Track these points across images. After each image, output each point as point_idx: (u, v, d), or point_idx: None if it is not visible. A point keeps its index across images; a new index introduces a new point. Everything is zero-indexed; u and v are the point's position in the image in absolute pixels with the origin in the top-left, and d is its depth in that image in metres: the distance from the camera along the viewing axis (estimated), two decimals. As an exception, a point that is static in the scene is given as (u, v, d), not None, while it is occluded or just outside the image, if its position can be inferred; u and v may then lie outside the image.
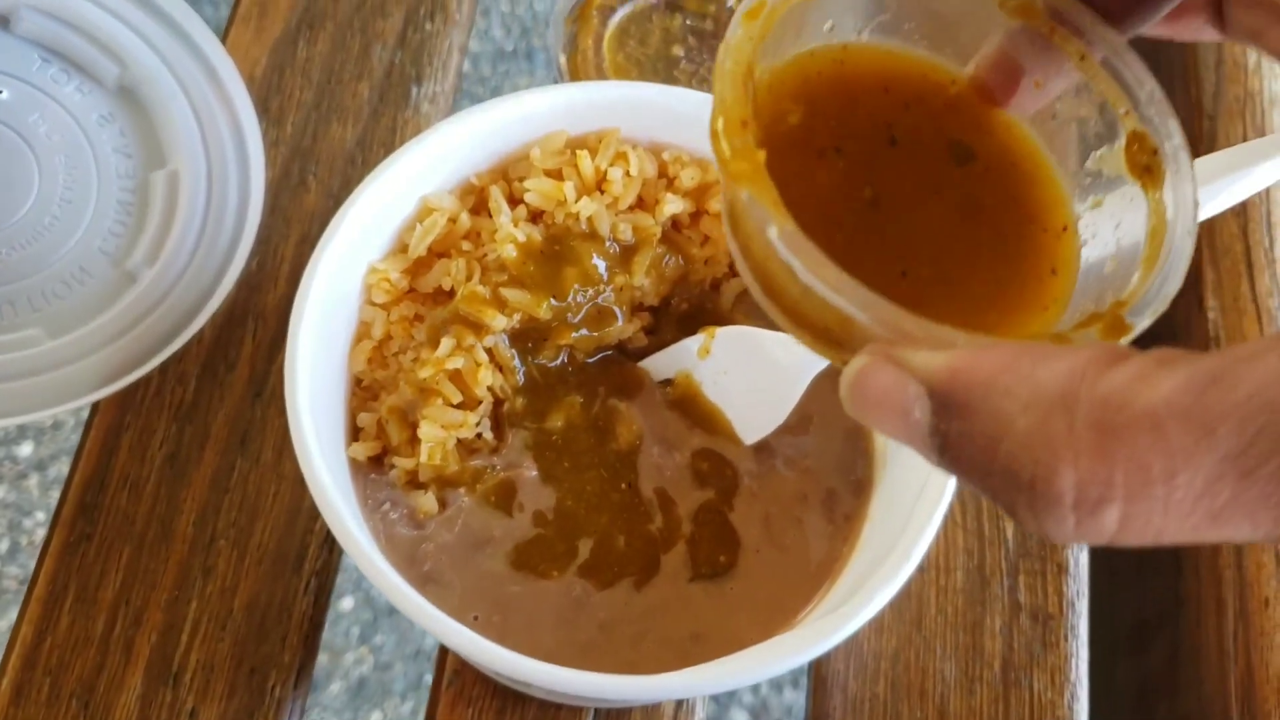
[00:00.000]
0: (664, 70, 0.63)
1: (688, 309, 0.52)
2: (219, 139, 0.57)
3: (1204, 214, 0.37)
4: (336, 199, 0.58)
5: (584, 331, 0.50)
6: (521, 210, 0.50)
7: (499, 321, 0.48)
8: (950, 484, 0.43)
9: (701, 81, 0.63)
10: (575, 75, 0.62)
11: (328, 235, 0.46)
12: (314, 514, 0.53)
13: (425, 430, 0.47)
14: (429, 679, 0.59)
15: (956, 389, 0.25)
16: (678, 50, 0.64)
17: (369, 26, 0.61)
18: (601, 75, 0.62)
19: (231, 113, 0.57)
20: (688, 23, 0.64)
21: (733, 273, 0.53)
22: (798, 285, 0.28)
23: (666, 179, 0.51)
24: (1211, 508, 0.22)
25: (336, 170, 0.59)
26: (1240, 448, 0.22)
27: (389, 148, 0.59)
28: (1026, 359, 0.24)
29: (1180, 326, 0.61)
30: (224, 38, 0.60)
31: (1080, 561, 0.54)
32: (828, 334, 0.29)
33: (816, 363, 0.47)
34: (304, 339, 0.44)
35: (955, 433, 0.25)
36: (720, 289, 0.53)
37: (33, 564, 0.50)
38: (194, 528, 0.52)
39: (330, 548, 0.53)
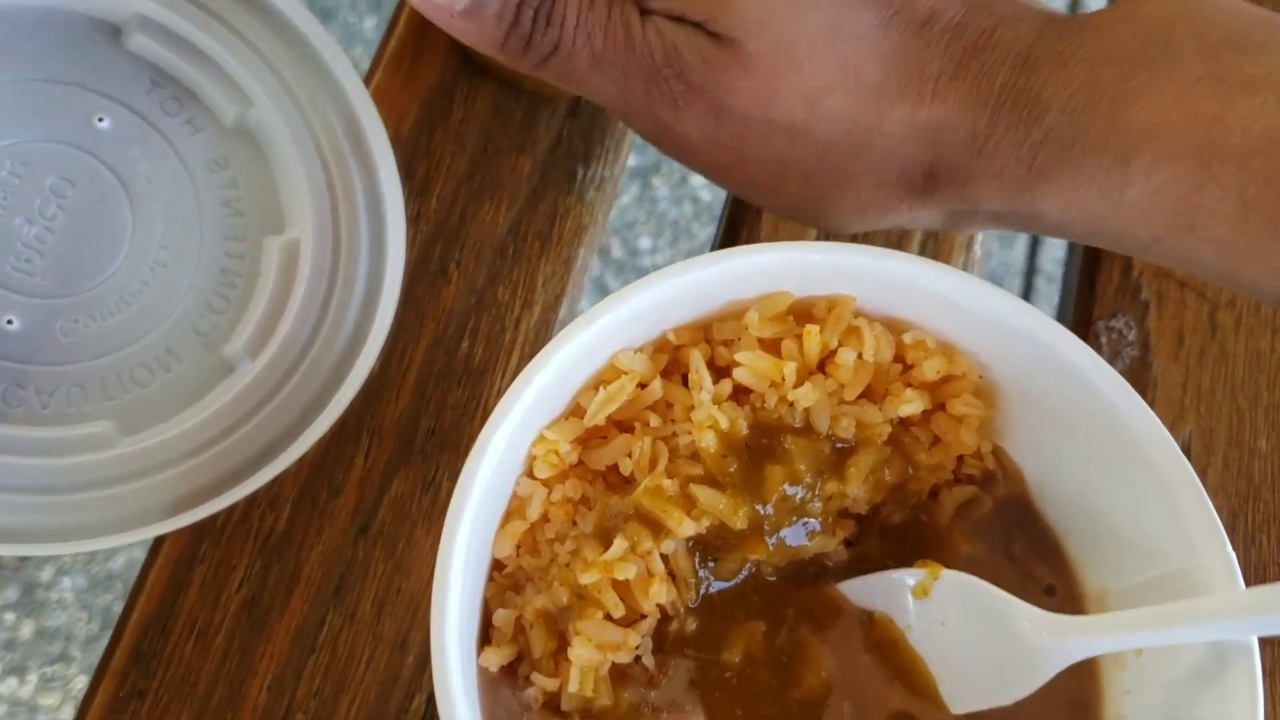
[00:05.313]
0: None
1: (899, 521, 0.43)
2: (353, 206, 0.47)
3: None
4: (479, 296, 0.48)
5: (779, 539, 0.41)
6: (725, 385, 0.40)
7: (685, 527, 0.38)
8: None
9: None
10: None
11: (507, 402, 0.37)
12: (410, 690, 0.44)
13: (578, 651, 0.38)
14: None
15: None
16: None
17: (540, 87, 0.51)
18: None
19: (370, 175, 0.47)
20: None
21: (956, 479, 0.44)
22: None
23: (903, 365, 0.42)
24: None
25: (483, 261, 0.49)
26: None
27: (544, 239, 0.50)
28: None
29: None
30: (368, 80, 0.50)
31: None
32: None
33: (1073, 651, 0.38)
34: (464, 528, 0.36)
35: None
36: (939, 497, 0.43)
37: None
38: (268, 694, 0.43)
39: (425, 735, 0.44)
